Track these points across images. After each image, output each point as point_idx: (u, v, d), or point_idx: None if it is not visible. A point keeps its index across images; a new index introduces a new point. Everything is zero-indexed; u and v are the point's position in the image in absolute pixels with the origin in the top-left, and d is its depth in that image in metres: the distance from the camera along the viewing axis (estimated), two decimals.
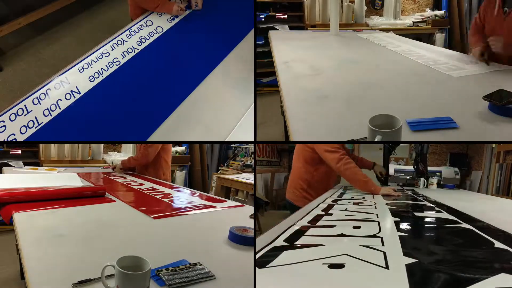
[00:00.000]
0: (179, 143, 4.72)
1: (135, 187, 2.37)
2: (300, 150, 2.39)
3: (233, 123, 1.39)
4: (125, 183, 2.53)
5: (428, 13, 4.75)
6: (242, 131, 1.36)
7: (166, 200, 1.95)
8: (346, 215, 1.35)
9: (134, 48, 1.75)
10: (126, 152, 4.72)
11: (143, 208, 1.70)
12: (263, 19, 4.35)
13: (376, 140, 1.12)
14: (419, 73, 1.85)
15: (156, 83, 1.59)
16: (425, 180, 2.91)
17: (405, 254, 0.83)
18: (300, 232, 1.05)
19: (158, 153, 2.98)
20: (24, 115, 1.38)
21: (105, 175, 2.93)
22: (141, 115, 1.42)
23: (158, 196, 2.04)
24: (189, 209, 1.74)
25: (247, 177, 3.93)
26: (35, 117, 1.38)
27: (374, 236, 1.00)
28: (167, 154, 3.07)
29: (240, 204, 1.91)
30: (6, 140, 1.32)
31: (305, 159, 2.34)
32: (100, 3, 3.83)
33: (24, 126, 1.35)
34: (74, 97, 1.48)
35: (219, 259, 1.09)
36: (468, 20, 4.70)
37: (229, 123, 1.39)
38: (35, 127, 1.35)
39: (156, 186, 2.40)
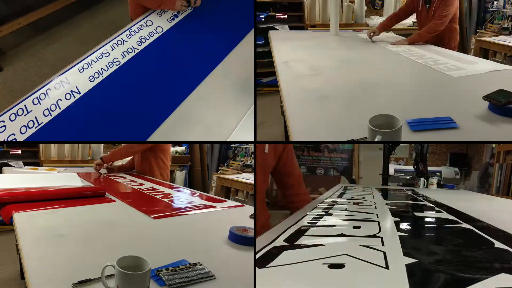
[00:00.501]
0: (179, 143, 4.72)
1: (135, 187, 2.37)
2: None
3: (233, 123, 1.39)
4: (125, 183, 2.53)
5: None
6: (242, 131, 1.36)
7: (166, 200, 1.95)
8: (346, 215, 1.35)
9: (134, 48, 1.75)
10: None
11: (143, 208, 1.70)
12: (263, 19, 4.35)
13: (376, 140, 1.12)
14: (419, 73, 1.86)
15: (156, 83, 1.59)
16: (425, 180, 2.92)
17: (405, 254, 0.83)
18: (300, 232, 1.05)
19: (155, 153, 2.97)
20: (24, 115, 1.38)
21: (105, 175, 2.93)
22: (141, 115, 1.42)
23: (158, 196, 2.04)
24: (189, 209, 1.74)
25: (247, 177, 3.93)
26: (35, 117, 1.38)
27: (374, 236, 1.00)
28: (164, 154, 3.05)
29: (240, 204, 1.91)
30: (6, 140, 1.31)
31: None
32: (100, 3, 3.83)
33: (24, 126, 1.35)
34: (74, 97, 1.47)
35: (219, 259, 1.09)
36: (468, 20, 4.69)
37: (229, 123, 1.39)
38: (35, 127, 1.35)
39: (156, 186, 2.40)
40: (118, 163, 3.14)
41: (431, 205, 1.66)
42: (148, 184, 2.47)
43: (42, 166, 3.98)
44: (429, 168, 3.14)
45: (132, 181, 2.63)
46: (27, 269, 0.95)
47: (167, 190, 2.25)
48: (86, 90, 1.51)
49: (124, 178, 2.78)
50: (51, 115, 1.40)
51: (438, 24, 2.62)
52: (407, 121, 1.30)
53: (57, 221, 1.44)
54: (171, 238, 1.33)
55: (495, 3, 4.39)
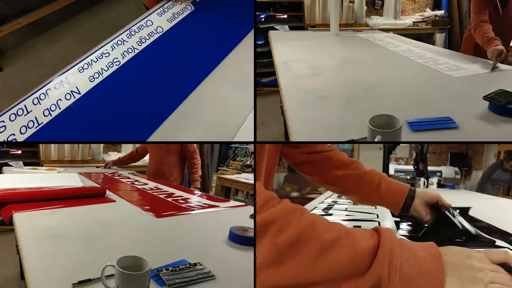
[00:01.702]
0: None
1: (139, 186, 2.37)
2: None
3: (234, 123, 1.39)
4: (128, 182, 2.53)
5: (428, 13, 4.75)
6: (242, 131, 1.36)
7: (169, 199, 1.95)
8: (346, 215, 1.35)
9: (134, 48, 1.75)
10: (126, 152, 4.72)
11: (146, 207, 1.70)
12: (263, 19, 4.35)
13: (376, 140, 1.12)
14: (419, 73, 1.85)
15: (156, 83, 1.59)
16: (425, 180, 2.92)
17: None
18: None
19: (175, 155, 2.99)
20: (24, 115, 1.38)
21: (108, 174, 2.93)
22: (141, 115, 1.42)
23: (161, 196, 2.04)
24: (191, 208, 1.74)
25: (247, 177, 3.93)
26: (35, 117, 1.38)
27: None
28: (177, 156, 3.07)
29: (243, 204, 1.91)
30: (6, 140, 1.31)
31: None
32: (100, 3, 3.83)
33: (24, 126, 1.35)
34: (74, 97, 1.47)
35: (219, 259, 1.09)
36: (468, 20, 4.70)
37: (229, 123, 1.39)
38: (35, 127, 1.35)
39: (160, 186, 2.40)
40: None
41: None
42: (151, 184, 2.47)
43: (42, 166, 3.98)
44: (429, 168, 3.14)
45: (136, 181, 2.63)
46: (27, 269, 0.95)
47: (171, 190, 2.26)
48: (86, 90, 1.51)
49: (128, 178, 2.78)
50: (51, 115, 1.40)
51: None
52: (407, 121, 1.30)
53: (57, 221, 1.44)
54: (171, 238, 1.33)
55: None
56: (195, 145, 3.06)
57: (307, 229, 0.60)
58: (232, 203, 1.95)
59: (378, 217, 1.28)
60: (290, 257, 0.58)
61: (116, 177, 2.79)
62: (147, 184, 2.48)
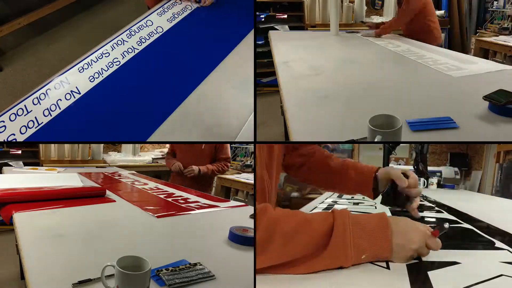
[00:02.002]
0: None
1: (139, 186, 2.37)
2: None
3: (234, 123, 1.39)
4: (129, 182, 2.53)
5: None
6: (243, 131, 1.36)
7: (169, 199, 1.95)
8: None
9: (134, 48, 1.75)
10: (126, 152, 4.73)
11: (146, 207, 1.70)
12: (263, 19, 4.35)
13: (376, 140, 1.12)
14: (419, 73, 1.85)
15: (156, 83, 1.59)
16: (425, 180, 2.92)
17: None
18: None
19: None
20: (24, 115, 1.38)
21: (108, 174, 2.93)
22: (141, 115, 1.42)
23: (161, 196, 2.04)
24: (191, 208, 1.74)
25: (247, 177, 3.93)
26: (35, 117, 1.38)
27: None
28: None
29: (243, 204, 1.91)
30: (6, 140, 1.31)
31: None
32: (100, 3, 3.83)
33: (24, 126, 1.35)
34: (74, 97, 1.47)
35: (219, 259, 1.09)
36: (468, 20, 4.70)
37: (229, 123, 1.39)
38: (35, 127, 1.35)
39: (160, 186, 2.40)
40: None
41: (431, 205, 1.66)
42: (152, 184, 2.47)
43: (42, 166, 3.98)
44: (429, 168, 3.14)
45: (136, 180, 2.63)
46: (27, 269, 0.95)
47: (171, 190, 2.26)
48: (86, 90, 1.51)
49: (128, 177, 2.78)
50: (51, 115, 1.40)
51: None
52: (407, 121, 1.30)
53: (57, 221, 1.44)
54: (171, 238, 1.33)
55: (495, 3, 4.39)
56: (229, 152, 2.86)
57: (271, 227, 0.74)
58: (232, 203, 1.95)
59: None
60: (263, 251, 0.73)
61: (116, 177, 2.79)
62: (147, 184, 2.48)
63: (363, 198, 1.88)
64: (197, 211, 1.70)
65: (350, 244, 0.73)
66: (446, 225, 0.83)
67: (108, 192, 1.98)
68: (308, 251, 0.73)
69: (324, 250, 0.73)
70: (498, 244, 0.93)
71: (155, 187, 2.34)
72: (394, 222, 0.78)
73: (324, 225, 0.75)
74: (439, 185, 3.03)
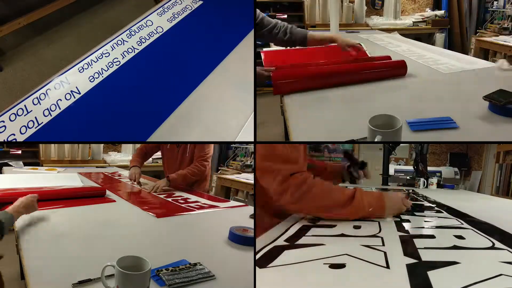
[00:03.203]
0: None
1: (139, 186, 2.37)
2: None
3: (234, 123, 1.39)
4: (129, 182, 2.53)
5: (428, 13, 4.75)
6: (242, 131, 1.36)
7: (169, 199, 1.95)
8: None
9: (134, 48, 1.75)
10: (126, 152, 4.72)
11: (146, 207, 1.70)
12: None
13: (376, 140, 1.12)
14: (419, 73, 1.85)
15: (156, 83, 1.59)
16: (425, 180, 2.91)
17: (405, 254, 0.83)
18: (301, 232, 1.05)
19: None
20: (24, 115, 1.38)
21: (108, 174, 2.93)
22: (141, 115, 1.42)
23: (161, 196, 2.04)
24: (191, 208, 1.74)
25: (247, 177, 3.93)
26: (35, 117, 1.38)
27: (374, 236, 1.00)
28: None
29: (243, 204, 1.91)
30: (6, 140, 1.31)
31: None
32: (100, 3, 3.83)
33: (24, 126, 1.35)
34: (74, 97, 1.47)
35: (219, 259, 1.09)
36: (468, 20, 4.70)
37: (229, 123, 1.39)
38: (35, 127, 1.35)
39: None
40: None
41: (431, 205, 1.66)
42: (151, 184, 2.47)
43: (42, 166, 3.98)
44: (429, 168, 3.14)
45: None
46: (27, 269, 0.95)
47: (171, 190, 2.25)
48: (86, 90, 1.51)
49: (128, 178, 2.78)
50: (51, 115, 1.40)
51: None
52: (407, 121, 1.30)
53: (57, 221, 1.44)
54: (172, 238, 1.33)
55: (495, 3, 4.39)
56: (208, 149, 2.51)
57: (311, 186, 1.12)
58: (232, 203, 1.95)
59: None
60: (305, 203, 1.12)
61: (116, 177, 2.79)
62: (147, 184, 2.48)
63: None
64: (197, 211, 1.70)
65: (365, 201, 1.15)
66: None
67: (108, 192, 1.98)
68: (338, 204, 1.13)
69: (349, 205, 1.13)
70: (498, 244, 0.92)
71: None
72: (385, 193, 1.27)
73: (349, 191, 1.15)
74: (439, 185, 3.02)
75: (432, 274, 0.71)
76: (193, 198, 2.01)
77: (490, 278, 0.69)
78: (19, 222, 1.37)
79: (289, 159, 1.11)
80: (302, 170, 1.13)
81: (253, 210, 1.56)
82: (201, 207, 1.77)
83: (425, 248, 0.88)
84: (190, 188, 2.38)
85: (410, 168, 3.23)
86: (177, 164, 2.48)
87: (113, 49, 1.71)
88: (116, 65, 1.65)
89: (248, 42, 1.84)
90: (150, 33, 1.86)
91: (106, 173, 3.00)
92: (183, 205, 1.80)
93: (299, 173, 1.10)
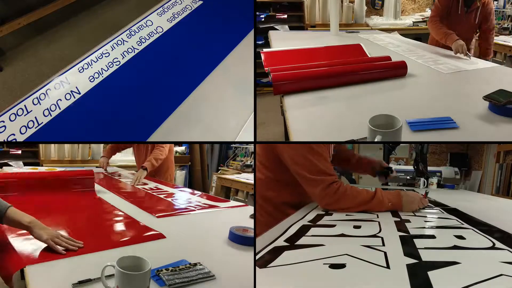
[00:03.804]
0: (179, 143, 4.71)
1: (139, 186, 2.37)
2: (264, 151, 1.58)
3: (234, 123, 1.39)
4: (129, 182, 2.53)
5: (428, 13, 4.74)
6: (242, 131, 1.36)
7: (169, 199, 1.95)
8: (346, 214, 1.35)
9: (134, 48, 1.75)
10: (126, 152, 4.72)
11: (146, 207, 1.70)
12: (263, 19, 4.35)
13: (376, 140, 1.12)
14: (419, 73, 1.85)
15: (156, 83, 1.59)
16: (425, 180, 2.91)
17: (405, 254, 0.83)
18: (301, 232, 1.05)
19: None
20: (24, 115, 1.38)
21: (107, 174, 2.93)
22: (141, 115, 1.42)
23: (161, 196, 2.04)
24: (192, 208, 1.74)
25: (247, 177, 3.93)
26: (35, 117, 1.38)
27: (374, 236, 1.00)
28: (172, 154, 3.05)
29: (243, 204, 1.91)
30: (6, 140, 1.31)
31: (266, 164, 1.56)
32: (100, 3, 3.83)
33: (24, 126, 1.35)
34: (74, 97, 1.47)
35: (219, 259, 1.09)
36: None
37: (229, 123, 1.39)
38: (35, 127, 1.35)
39: (160, 186, 2.40)
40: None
41: (431, 205, 1.66)
42: (152, 184, 2.47)
43: (42, 166, 3.98)
44: (429, 168, 3.13)
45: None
46: (27, 269, 0.95)
47: (171, 190, 2.25)
48: (86, 90, 1.51)
49: (127, 177, 2.78)
50: (51, 115, 1.40)
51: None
52: (407, 121, 1.30)
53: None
54: (171, 238, 1.33)
55: (495, 3, 4.39)
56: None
57: (345, 190, 1.39)
58: (232, 203, 1.95)
59: (378, 217, 1.29)
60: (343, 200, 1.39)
61: (116, 177, 2.79)
62: (147, 184, 2.48)
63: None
64: (197, 211, 1.70)
65: (385, 198, 1.39)
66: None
67: (108, 192, 1.98)
68: (364, 202, 1.38)
69: (372, 202, 1.38)
70: (498, 244, 0.92)
71: (155, 187, 2.34)
72: (403, 192, 1.45)
73: (372, 192, 1.40)
74: (439, 185, 3.02)
75: (432, 274, 0.71)
76: (193, 198, 2.01)
77: (491, 278, 0.69)
78: None
79: (327, 172, 1.40)
80: (336, 179, 1.41)
81: (253, 210, 1.56)
82: (201, 207, 1.77)
83: (425, 248, 0.88)
84: (155, 177, 2.77)
85: (410, 168, 3.23)
86: (144, 157, 2.86)
87: (113, 49, 1.71)
88: (116, 65, 1.65)
89: (248, 42, 1.84)
90: (150, 33, 1.86)
91: (105, 173, 3.00)
92: (185, 205, 1.80)
93: (335, 183, 1.39)
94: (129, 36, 1.80)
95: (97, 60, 1.64)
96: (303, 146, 1.40)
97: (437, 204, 1.69)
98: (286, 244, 0.94)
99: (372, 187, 1.99)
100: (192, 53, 1.78)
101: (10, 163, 3.93)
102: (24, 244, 1.10)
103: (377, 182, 2.19)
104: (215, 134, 1.35)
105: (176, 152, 4.75)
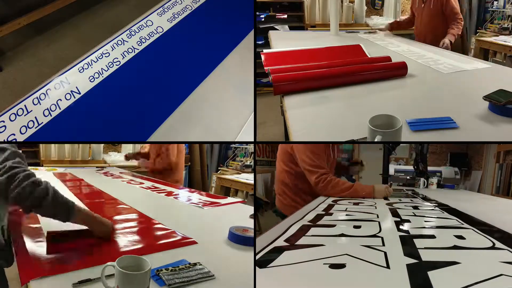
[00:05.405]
0: (179, 143, 4.71)
1: (136, 185, 2.37)
2: (281, 150, 2.17)
3: (234, 123, 1.39)
4: (124, 181, 2.53)
5: None
6: (242, 131, 1.36)
7: (170, 198, 1.96)
8: (346, 215, 1.35)
9: (134, 48, 1.75)
10: (127, 152, 4.72)
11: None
12: (263, 19, 4.35)
13: (376, 140, 1.12)
14: (419, 73, 1.85)
15: (156, 83, 1.59)
16: (425, 180, 2.91)
17: (405, 254, 0.83)
18: (301, 232, 1.05)
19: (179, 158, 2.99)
20: (24, 115, 1.38)
21: (108, 174, 2.93)
22: (141, 115, 1.42)
23: (162, 195, 2.04)
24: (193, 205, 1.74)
25: (247, 177, 3.93)
26: (35, 117, 1.38)
27: (374, 236, 1.00)
28: (182, 155, 3.12)
29: (241, 200, 1.92)
30: (6, 140, 1.31)
31: (283, 160, 2.13)
32: (100, 3, 3.83)
33: (24, 126, 1.35)
34: (74, 97, 1.47)
35: (219, 259, 1.09)
36: (468, 20, 4.69)
37: (229, 123, 1.39)
38: (35, 127, 1.35)
39: (156, 185, 2.40)
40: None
41: (431, 205, 1.66)
42: (148, 183, 2.47)
43: (42, 166, 3.97)
44: (429, 168, 3.13)
45: (131, 180, 2.63)
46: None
47: (169, 189, 2.26)
48: (86, 90, 1.51)
49: (121, 177, 2.78)
50: (51, 115, 1.40)
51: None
52: (407, 121, 1.30)
53: None
54: None
55: (495, 3, 4.39)
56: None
57: (334, 182, 1.92)
58: (230, 199, 1.95)
59: (378, 217, 1.29)
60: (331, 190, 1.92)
61: (113, 178, 2.79)
62: (143, 183, 2.48)
63: (363, 198, 1.89)
64: (198, 209, 1.70)
65: (359, 189, 1.88)
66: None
67: (107, 192, 1.98)
68: (346, 190, 1.88)
69: (349, 190, 1.87)
70: (498, 244, 0.92)
71: (152, 186, 2.34)
72: (375, 185, 1.91)
73: (351, 183, 1.88)
74: (439, 185, 3.02)
75: (432, 274, 0.71)
76: (193, 196, 2.01)
77: (491, 278, 0.69)
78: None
79: (320, 166, 1.94)
80: (328, 172, 1.95)
81: (253, 210, 1.56)
82: (204, 204, 1.77)
83: (425, 248, 0.88)
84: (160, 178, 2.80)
85: (410, 168, 3.23)
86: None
87: (113, 49, 1.71)
88: (116, 65, 1.65)
89: (248, 42, 1.84)
90: (150, 33, 1.86)
91: (106, 173, 3.01)
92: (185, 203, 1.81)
93: (325, 175, 1.92)
94: (129, 36, 1.80)
95: (97, 60, 1.64)
96: (306, 146, 1.95)
97: (437, 204, 1.69)
98: (286, 244, 0.94)
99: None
100: (192, 53, 1.78)
101: None
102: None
103: (375, 181, 2.25)
104: (215, 134, 1.35)
105: None
